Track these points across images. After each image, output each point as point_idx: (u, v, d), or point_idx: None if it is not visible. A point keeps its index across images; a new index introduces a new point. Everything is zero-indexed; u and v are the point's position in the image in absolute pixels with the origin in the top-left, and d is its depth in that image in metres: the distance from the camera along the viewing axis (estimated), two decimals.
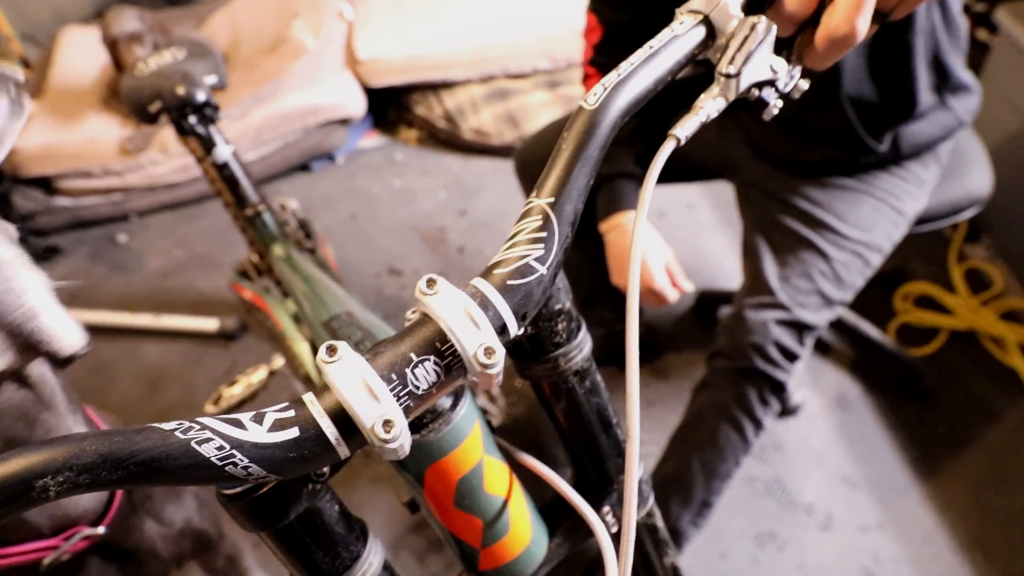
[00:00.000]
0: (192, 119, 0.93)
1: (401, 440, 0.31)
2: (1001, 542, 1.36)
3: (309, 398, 0.31)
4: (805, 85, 0.42)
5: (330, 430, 0.30)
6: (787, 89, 0.42)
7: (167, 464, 0.28)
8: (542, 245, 0.35)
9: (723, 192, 1.91)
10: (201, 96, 0.93)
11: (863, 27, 0.40)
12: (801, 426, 1.54)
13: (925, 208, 1.15)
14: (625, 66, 0.39)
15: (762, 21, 0.40)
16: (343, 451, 0.31)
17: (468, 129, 2.27)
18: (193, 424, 0.30)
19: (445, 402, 0.42)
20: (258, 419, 0.31)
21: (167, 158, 2.20)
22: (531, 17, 2.40)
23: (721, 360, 1.09)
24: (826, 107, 0.99)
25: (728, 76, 0.39)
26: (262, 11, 2.54)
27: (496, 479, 0.46)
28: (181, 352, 1.83)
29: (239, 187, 0.97)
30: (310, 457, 0.31)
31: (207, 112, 0.94)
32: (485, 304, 0.33)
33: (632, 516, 0.38)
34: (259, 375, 1.01)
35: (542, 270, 0.35)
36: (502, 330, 0.33)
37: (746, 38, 0.39)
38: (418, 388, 0.32)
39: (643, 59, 0.39)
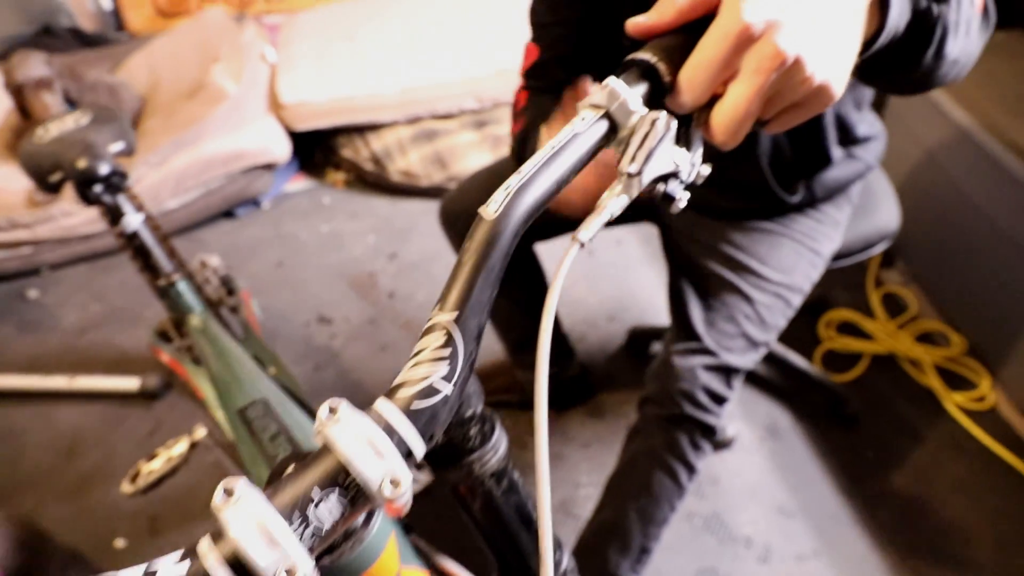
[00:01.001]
0: (97, 188, 0.88)
1: None
2: (929, 559, 1.40)
3: (205, 546, 0.29)
4: (707, 171, 0.43)
5: None
6: (690, 179, 0.42)
7: None
8: (447, 363, 0.34)
9: (650, 228, 1.95)
10: (104, 169, 0.88)
11: (739, 139, 0.42)
12: (735, 459, 1.57)
13: (840, 246, 1.19)
14: (527, 167, 0.38)
15: (662, 117, 0.40)
16: None
17: (396, 171, 2.26)
18: None
19: (357, 520, 0.40)
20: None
21: (80, 208, 2.10)
22: (456, 58, 2.42)
23: (651, 407, 1.09)
24: (744, 162, 1.02)
25: (630, 175, 0.40)
26: (181, 54, 2.49)
27: None
28: (100, 415, 1.74)
29: (151, 257, 0.92)
30: None
31: (113, 180, 0.89)
32: (390, 430, 0.32)
33: None
34: (180, 447, 0.96)
35: (447, 390, 0.34)
36: (408, 455, 0.32)
37: (647, 135, 0.40)
38: (322, 526, 0.30)
39: (545, 159, 0.38)
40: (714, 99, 0.43)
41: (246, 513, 0.29)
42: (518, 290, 1.36)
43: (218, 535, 0.29)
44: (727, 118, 0.42)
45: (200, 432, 1.00)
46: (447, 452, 0.41)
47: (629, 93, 0.40)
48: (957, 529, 1.45)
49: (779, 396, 1.68)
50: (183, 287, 0.94)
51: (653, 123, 0.40)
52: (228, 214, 2.31)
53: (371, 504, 0.31)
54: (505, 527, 0.46)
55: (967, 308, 1.74)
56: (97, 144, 0.88)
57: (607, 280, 1.95)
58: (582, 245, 0.39)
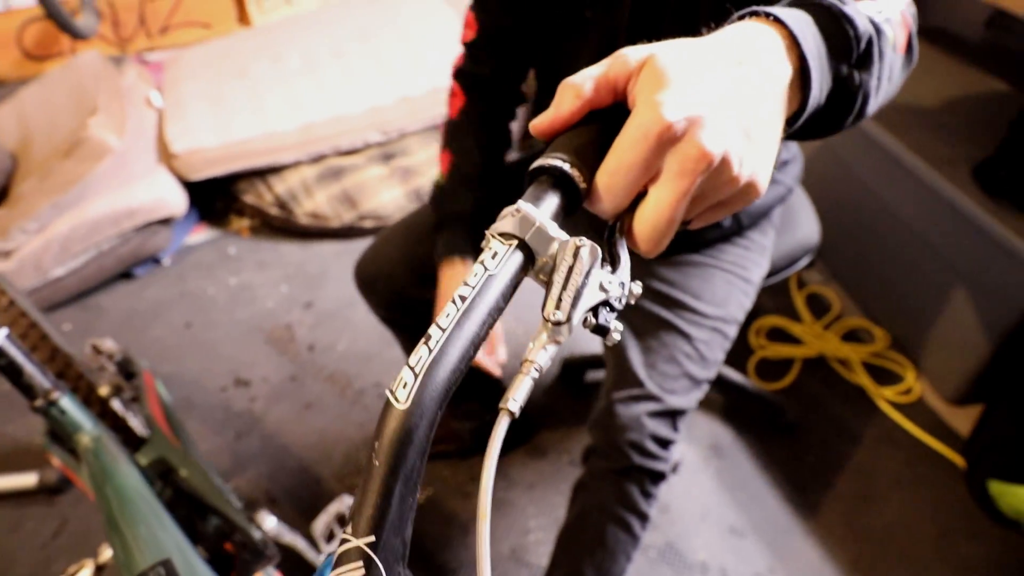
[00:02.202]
0: None
1: None
2: (879, 559, 1.42)
3: None
4: (639, 289, 0.38)
5: None
6: (623, 304, 0.37)
7: None
8: None
9: None
10: None
11: (664, 246, 0.38)
12: (683, 483, 1.54)
13: (767, 269, 1.18)
14: (435, 334, 0.32)
15: (586, 245, 0.35)
16: None
17: (303, 214, 2.14)
18: None
19: None
20: None
21: None
22: (355, 90, 2.32)
23: (598, 460, 1.05)
24: None
25: (558, 324, 0.34)
26: (54, 105, 2.29)
27: None
28: None
29: (22, 375, 0.79)
30: None
31: None
32: None
33: None
34: (84, 573, 0.85)
35: None
36: None
37: (571, 269, 0.34)
38: None
39: (456, 319, 0.32)
40: (636, 199, 0.38)
41: None
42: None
43: None
44: (650, 226, 0.37)
45: (107, 552, 0.89)
46: None
47: (544, 218, 0.35)
48: (901, 525, 1.47)
49: (719, 413, 1.67)
50: (67, 403, 0.81)
51: (577, 252, 0.34)
52: (126, 275, 2.13)
53: None
54: None
55: (886, 302, 1.78)
56: None
57: (534, 310, 1.90)
58: (512, 415, 0.33)
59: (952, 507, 1.49)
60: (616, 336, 0.36)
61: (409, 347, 1.36)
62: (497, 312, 0.34)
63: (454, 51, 1.09)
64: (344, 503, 1.36)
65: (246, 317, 1.98)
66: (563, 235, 0.35)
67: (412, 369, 0.31)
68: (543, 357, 0.34)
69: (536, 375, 0.34)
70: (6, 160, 2.13)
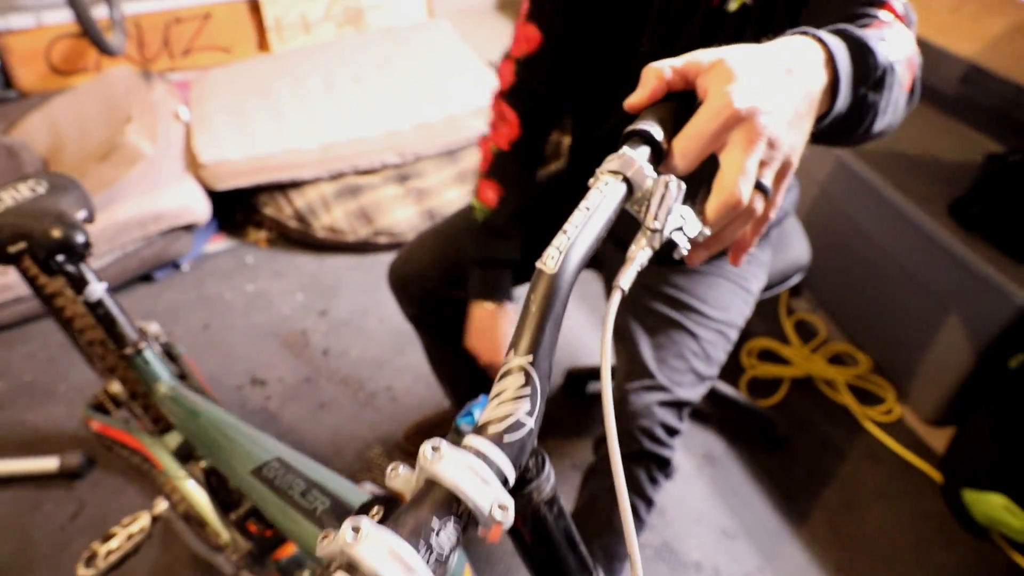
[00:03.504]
0: (60, 258, 0.86)
1: None
2: (861, 563, 1.50)
3: None
4: (708, 232, 0.49)
5: None
6: (694, 235, 0.48)
7: None
8: (528, 400, 0.38)
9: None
10: (80, 238, 0.86)
11: (747, 195, 0.48)
12: (678, 488, 1.63)
13: (765, 282, 1.30)
14: (570, 228, 0.43)
15: (673, 180, 0.46)
16: None
17: (321, 227, 2.25)
18: None
19: None
20: None
21: None
22: (374, 113, 2.45)
23: None
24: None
25: (654, 230, 0.46)
26: (85, 114, 2.40)
27: None
28: (12, 501, 1.62)
29: (116, 325, 0.89)
30: None
31: (80, 249, 0.87)
32: (488, 462, 0.36)
33: None
34: (140, 523, 0.92)
35: (531, 423, 0.38)
36: (504, 483, 0.36)
37: (663, 196, 0.46)
38: (443, 552, 0.33)
39: (585, 221, 0.44)
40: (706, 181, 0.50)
41: (378, 547, 0.31)
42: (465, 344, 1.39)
43: (352, 568, 0.31)
44: (733, 174, 0.48)
45: (161, 505, 0.97)
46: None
47: (642, 160, 0.47)
48: (882, 534, 1.56)
49: (713, 425, 1.77)
50: (150, 354, 0.91)
51: (667, 185, 0.45)
52: (146, 278, 2.22)
53: (476, 528, 0.35)
54: (555, 551, 0.50)
55: (869, 329, 1.90)
56: (68, 213, 0.87)
57: None
58: (623, 292, 0.43)
59: (929, 518, 1.59)
60: (683, 251, 0.48)
61: (431, 347, 1.45)
62: (608, 225, 0.45)
63: (472, 81, 1.12)
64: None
65: (262, 322, 2.06)
66: (655, 174, 0.47)
67: (557, 248, 0.43)
68: (642, 255, 0.46)
69: (639, 267, 0.46)
70: (37, 163, 2.22)
